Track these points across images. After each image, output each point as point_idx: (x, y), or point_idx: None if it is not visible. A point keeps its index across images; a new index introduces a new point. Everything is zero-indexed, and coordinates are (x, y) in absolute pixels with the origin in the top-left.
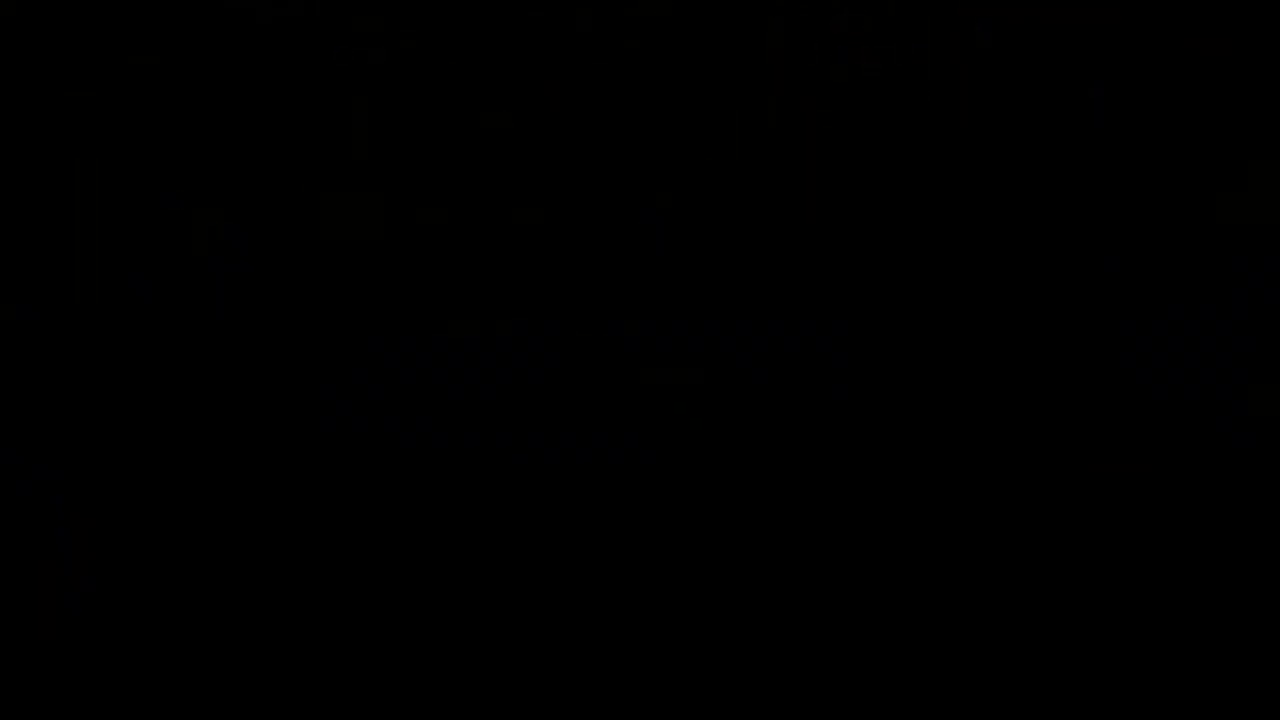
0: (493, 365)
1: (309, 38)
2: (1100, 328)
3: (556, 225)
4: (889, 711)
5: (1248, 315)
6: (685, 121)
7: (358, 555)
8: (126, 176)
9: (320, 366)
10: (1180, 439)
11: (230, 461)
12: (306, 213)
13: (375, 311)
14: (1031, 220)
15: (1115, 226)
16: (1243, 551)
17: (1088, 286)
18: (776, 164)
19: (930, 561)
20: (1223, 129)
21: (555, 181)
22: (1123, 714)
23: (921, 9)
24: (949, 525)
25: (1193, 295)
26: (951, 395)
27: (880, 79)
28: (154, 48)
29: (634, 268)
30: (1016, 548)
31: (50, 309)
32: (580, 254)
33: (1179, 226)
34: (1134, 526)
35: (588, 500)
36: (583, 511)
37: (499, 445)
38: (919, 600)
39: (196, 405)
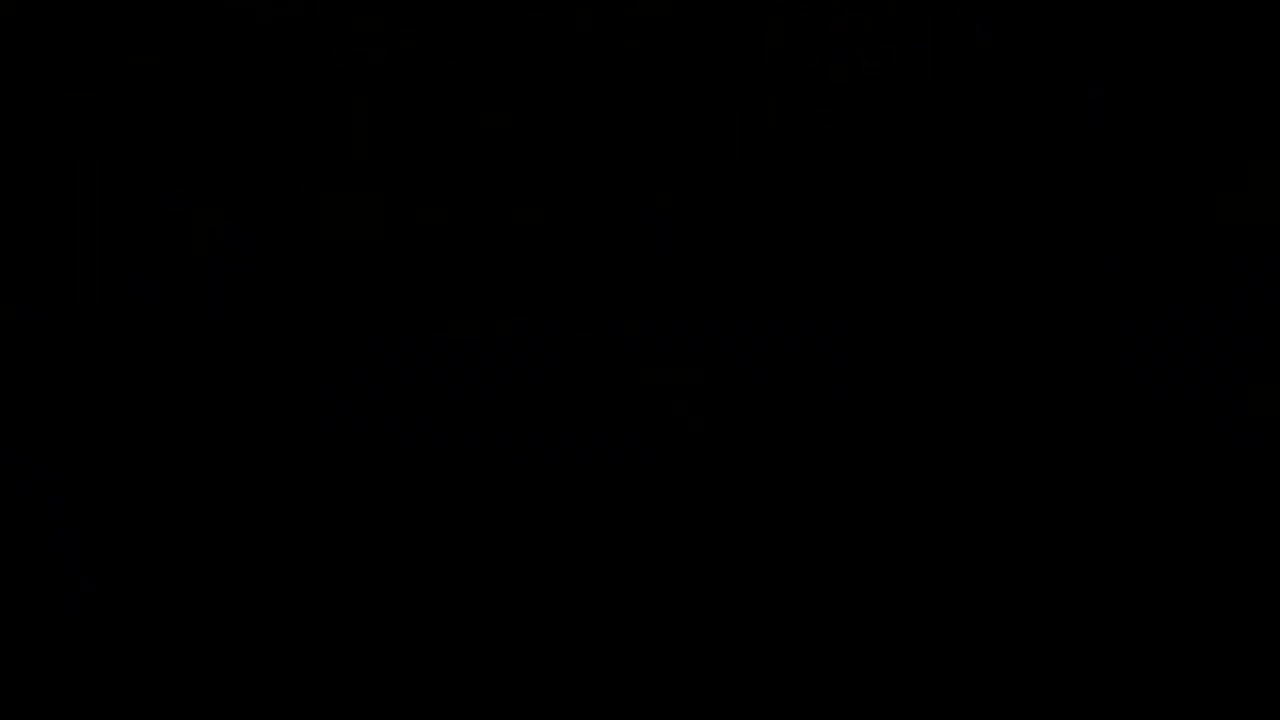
0: (493, 365)
1: (309, 38)
2: (1100, 328)
3: (556, 225)
4: (889, 711)
5: (1248, 315)
6: (685, 121)
7: (358, 555)
8: (126, 176)
9: (320, 366)
10: (1180, 439)
11: (230, 461)
12: (306, 213)
13: (375, 311)
14: (1031, 220)
15: (1115, 226)
16: (1243, 551)
17: (1088, 286)
18: (776, 164)
19: (930, 561)
20: (1223, 129)
21: (555, 181)
22: (1123, 714)
23: (921, 9)
24: (949, 525)
25: (1193, 295)
26: (952, 395)
27: (880, 79)
28: (154, 48)
29: (634, 268)
30: (1017, 548)
31: (50, 309)
32: (580, 254)
33: (1179, 226)
34: (1134, 526)
35: (588, 500)
36: (583, 511)
37: (499, 445)
38: (919, 600)
39: (196, 405)
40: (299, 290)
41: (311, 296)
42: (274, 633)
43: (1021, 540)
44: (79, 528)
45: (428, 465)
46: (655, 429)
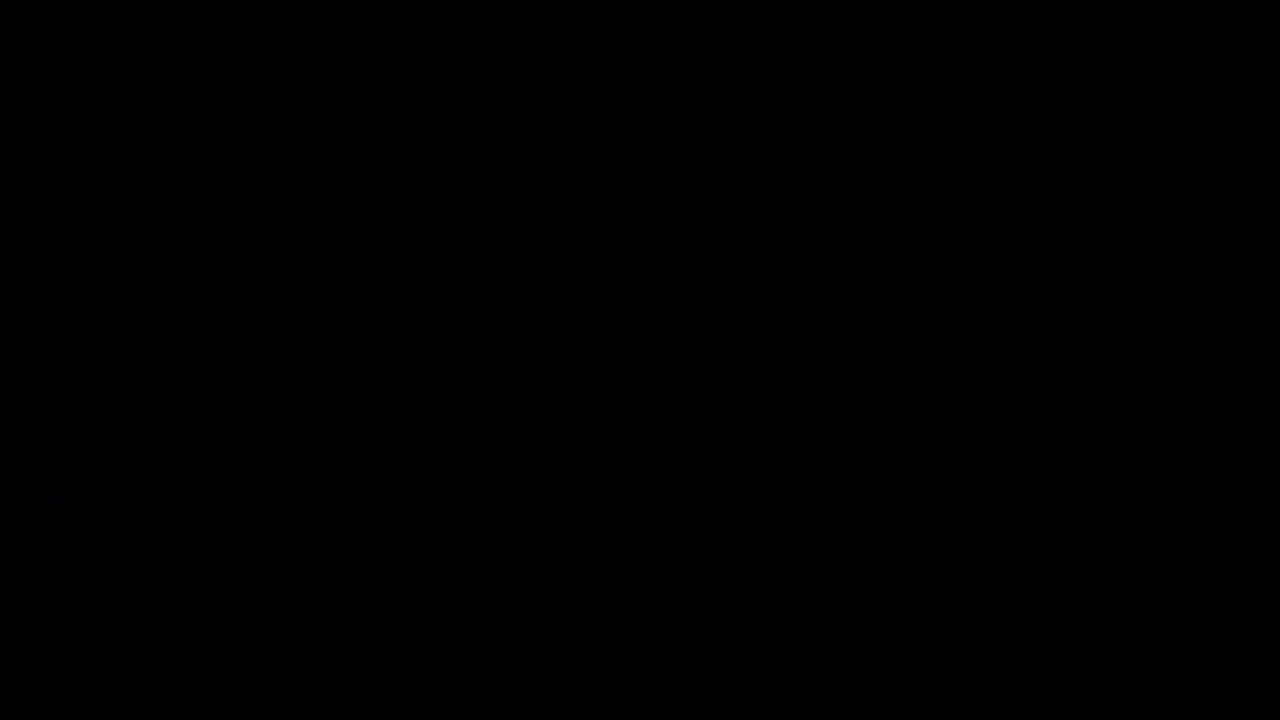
0: (493, 365)
1: (309, 38)
2: (1100, 328)
3: (556, 225)
4: (889, 711)
5: (1248, 315)
6: (685, 121)
7: (358, 555)
8: (126, 176)
9: (320, 366)
10: (1180, 439)
11: (230, 461)
12: (306, 213)
13: (375, 311)
14: (1032, 220)
15: (1115, 226)
16: (1243, 551)
17: (1088, 286)
18: (776, 164)
19: (930, 561)
20: (1223, 129)
21: (555, 181)
22: (1123, 714)
23: (921, 9)
24: (949, 525)
25: (1193, 295)
26: (952, 395)
27: (880, 79)
28: (154, 48)
29: (634, 268)
30: (1017, 547)
31: (50, 309)
32: (580, 254)
33: (1179, 226)
34: (1134, 526)
35: (588, 500)
36: (583, 511)
37: (499, 445)
38: (919, 600)
39: (196, 405)
40: (299, 290)
41: (311, 296)
42: (274, 633)
43: (1022, 540)
44: (79, 528)
45: (428, 465)
46: (655, 429)
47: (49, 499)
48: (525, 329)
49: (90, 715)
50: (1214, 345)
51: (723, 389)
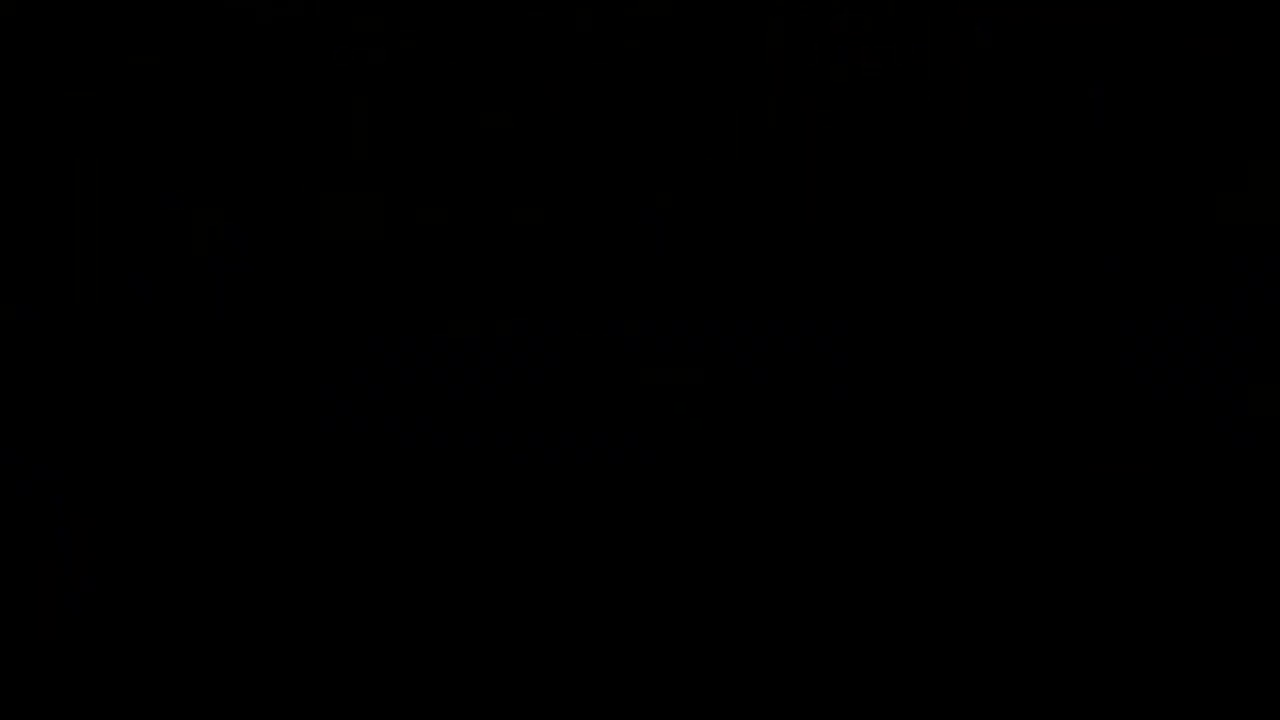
0: (493, 365)
1: (309, 38)
2: (1100, 328)
3: (556, 225)
4: (889, 711)
5: (1248, 315)
6: (685, 121)
7: (358, 555)
8: (126, 176)
9: (320, 366)
10: (1180, 439)
11: (230, 461)
12: (306, 213)
13: (375, 311)
14: (1032, 220)
15: (1115, 226)
16: (1243, 551)
17: (1088, 286)
18: (776, 164)
19: (930, 561)
20: (1223, 129)
21: (555, 181)
22: (1123, 714)
23: (921, 9)
24: (949, 525)
25: (1193, 295)
26: (952, 395)
27: (880, 79)
28: (154, 48)
29: (634, 268)
30: (1017, 547)
31: (50, 309)
32: (580, 254)
33: (1179, 226)
34: (1134, 526)
35: (588, 500)
36: (583, 511)
37: (499, 445)
38: (919, 600)
39: (196, 405)
40: (299, 290)
41: (311, 296)
42: (274, 633)
43: (1022, 540)
44: (79, 528)
45: (428, 465)
46: (655, 429)
47: (49, 499)
48: (525, 329)
49: (90, 715)
50: (1214, 345)
51: (723, 389)
